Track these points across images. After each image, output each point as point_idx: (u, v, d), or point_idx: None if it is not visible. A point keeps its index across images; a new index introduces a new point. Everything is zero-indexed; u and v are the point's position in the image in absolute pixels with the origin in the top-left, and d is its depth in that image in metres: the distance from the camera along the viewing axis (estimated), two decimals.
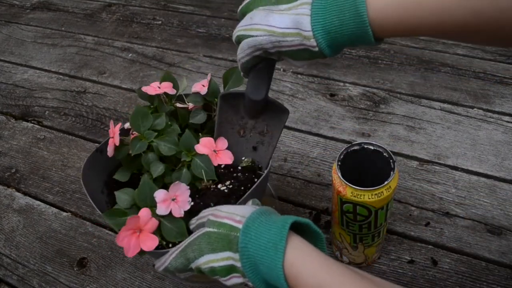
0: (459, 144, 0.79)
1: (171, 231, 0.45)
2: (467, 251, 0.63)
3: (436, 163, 0.76)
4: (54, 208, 0.78)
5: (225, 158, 0.51)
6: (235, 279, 0.37)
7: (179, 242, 0.44)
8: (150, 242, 0.44)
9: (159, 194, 0.45)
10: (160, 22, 1.29)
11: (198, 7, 1.33)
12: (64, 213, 0.77)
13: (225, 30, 1.20)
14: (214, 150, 0.51)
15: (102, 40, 1.23)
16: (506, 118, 0.82)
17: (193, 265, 0.38)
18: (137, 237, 0.44)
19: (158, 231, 0.45)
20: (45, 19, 1.37)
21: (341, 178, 0.49)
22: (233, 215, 0.37)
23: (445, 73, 0.94)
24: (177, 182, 0.47)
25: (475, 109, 0.85)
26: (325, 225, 0.69)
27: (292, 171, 0.78)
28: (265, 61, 0.45)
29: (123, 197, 0.47)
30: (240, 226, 0.36)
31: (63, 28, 1.32)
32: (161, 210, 0.45)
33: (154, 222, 0.44)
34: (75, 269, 0.68)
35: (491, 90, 0.89)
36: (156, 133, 0.50)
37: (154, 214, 0.45)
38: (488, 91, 0.89)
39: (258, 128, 0.52)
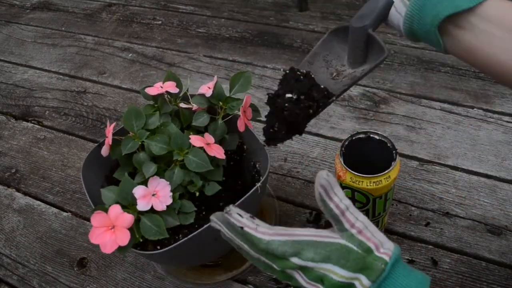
0: (459, 144, 0.79)
1: (150, 229, 0.45)
2: (467, 251, 0.63)
3: (436, 163, 0.76)
4: (54, 208, 0.78)
5: (218, 151, 0.51)
6: None
7: (159, 240, 0.45)
8: (125, 237, 0.43)
9: (138, 190, 0.46)
10: (160, 22, 1.29)
11: (198, 7, 1.33)
12: (64, 213, 0.77)
13: (225, 30, 1.20)
14: (207, 143, 0.51)
15: (102, 40, 1.23)
16: (506, 118, 0.82)
17: (298, 261, 0.35)
18: (112, 233, 0.44)
19: (137, 230, 0.45)
20: (45, 19, 1.37)
21: (342, 163, 0.50)
22: (377, 240, 0.36)
23: (445, 73, 0.94)
24: (155, 176, 0.47)
25: (475, 109, 0.85)
26: (325, 225, 0.69)
27: (292, 171, 0.78)
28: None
29: (108, 194, 0.48)
30: (386, 258, 0.34)
31: (63, 28, 1.32)
32: (142, 205, 0.45)
33: (127, 218, 0.44)
34: (75, 269, 0.68)
35: (491, 90, 0.89)
36: (148, 133, 0.50)
37: (136, 211, 0.45)
38: (488, 91, 0.89)
39: (355, 75, 0.45)
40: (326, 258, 0.34)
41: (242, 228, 0.35)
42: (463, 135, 0.80)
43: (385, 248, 0.35)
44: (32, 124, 0.97)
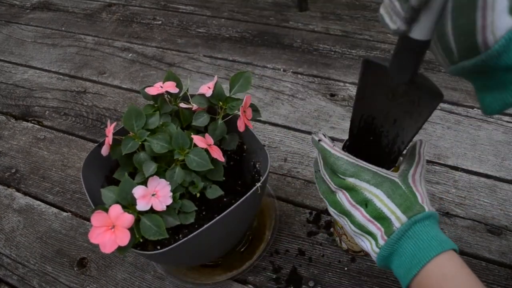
0: (459, 144, 0.79)
1: (150, 229, 0.45)
2: (467, 251, 0.63)
3: (436, 163, 0.76)
4: (54, 208, 0.78)
5: (218, 153, 0.51)
6: (372, 226, 0.40)
7: (159, 240, 0.46)
8: (125, 237, 0.43)
9: (138, 191, 0.45)
10: (160, 22, 1.29)
11: (198, 7, 1.33)
12: (64, 213, 0.77)
13: (225, 30, 1.20)
14: (209, 144, 0.51)
15: (102, 40, 1.23)
16: (506, 118, 0.82)
17: (354, 181, 0.41)
18: (112, 233, 0.43)
19: (137, 230, 0.45)
20: (45, 19, 1.38)
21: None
22: (424, 196, 0.41)
23: (445, 73, 0.94)
24: (155, 176, 0.47)
25: (475, 109, 0.85)
26: (325, 225, 0.69)
27: (292, 171, 0.78)
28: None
29: (108, 194, 0.47)
30: (425, 208, 0.40)
31: (63, 28, 1.32)
32: (141, 205, 0.45)
33: (127, 218, 0.44)
34: (75, 269, 0.68)
35: None
36: (149, 132, 0.50)
37: (136, 211, 0.45)
38: None
39: (411, 95, 0.42)
40: (379, 184, 0.40)
41: (319, 141, 0.44)
42: (463, 135, 0.80)
43: (427, 205, 0.40)
44: (32, 124, 0.97)
